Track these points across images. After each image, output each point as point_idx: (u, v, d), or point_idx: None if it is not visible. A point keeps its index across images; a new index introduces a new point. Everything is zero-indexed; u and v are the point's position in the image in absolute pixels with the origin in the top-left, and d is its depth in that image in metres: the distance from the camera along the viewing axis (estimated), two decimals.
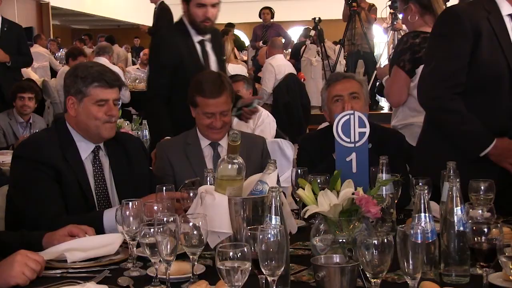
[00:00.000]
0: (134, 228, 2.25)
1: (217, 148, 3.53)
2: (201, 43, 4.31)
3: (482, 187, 2.46)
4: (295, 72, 9.36)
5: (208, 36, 4.33)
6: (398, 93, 3.88)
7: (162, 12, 10.54)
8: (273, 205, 2.00)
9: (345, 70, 10.80)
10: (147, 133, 5.28)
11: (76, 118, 2.92)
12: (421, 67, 3.63)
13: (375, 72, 8.59)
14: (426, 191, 1.96)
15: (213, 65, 4.34)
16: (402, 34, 10.24)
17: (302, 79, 9.73)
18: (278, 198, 2.00)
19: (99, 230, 2.66)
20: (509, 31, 3.01)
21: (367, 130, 2.34)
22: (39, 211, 2.73)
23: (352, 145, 2.34)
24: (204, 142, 3.53)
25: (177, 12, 4.62)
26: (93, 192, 2.92)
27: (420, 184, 2.17)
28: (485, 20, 2.96)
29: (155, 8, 10.77)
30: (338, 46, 11.79)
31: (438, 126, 3.14)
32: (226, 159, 2.20)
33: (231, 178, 2.19)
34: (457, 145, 3.02)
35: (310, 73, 10.88)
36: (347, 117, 2.35)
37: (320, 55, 10.99)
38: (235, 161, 2.20)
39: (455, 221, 1.99)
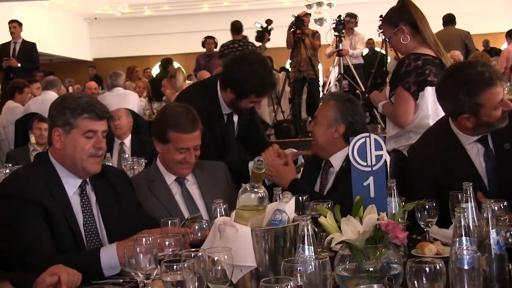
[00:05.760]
0: (147, 266, 2.11)
1: (184, 183, 3.41)
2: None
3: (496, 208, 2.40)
4: None
5: None
6: (405, 114, 3.81)
7: (27, 49, 10.70)
8: (306, 234, 1.91)
9: (291, 97, 10.84)
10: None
11: (62, 151, 2.77)
12: (426, 89, 3.66)
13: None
14: (465, 214, 1.90)
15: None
16: (348, 59, 10.55)
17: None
18: (309, 226, 1.91)
19: (96, 268, 2.50)
20: None
21: (384, 152, 2.27)
22: (29, 251, 2.54)
23: (369, 168, 2.26)
24: (170, 178, 3.39)
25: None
26: (82, 228, 2.76)
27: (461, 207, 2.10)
28: None
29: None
30: (283, 73, 11.80)
31: None
32: (248, 188, 2.09)
33: (254, 208, 2.08)
34: None
35: None
36: (363, 140, 2.28)
37: None
38: (258, 190, 2.09)
39: (492, 243, 1.93)
